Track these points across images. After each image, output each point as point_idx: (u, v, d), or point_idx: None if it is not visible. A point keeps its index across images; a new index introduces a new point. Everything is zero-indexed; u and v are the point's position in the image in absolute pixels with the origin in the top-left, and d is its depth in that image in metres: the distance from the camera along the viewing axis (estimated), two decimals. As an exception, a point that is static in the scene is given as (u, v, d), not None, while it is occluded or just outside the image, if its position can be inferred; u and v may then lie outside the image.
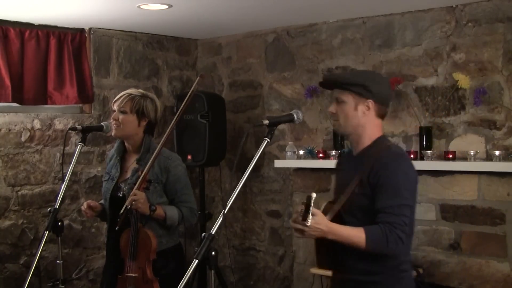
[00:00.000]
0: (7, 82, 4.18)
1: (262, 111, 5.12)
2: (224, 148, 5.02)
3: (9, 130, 4.34)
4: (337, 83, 2.52)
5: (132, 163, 3.20)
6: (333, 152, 4.32)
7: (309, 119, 4.77)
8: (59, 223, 3.02)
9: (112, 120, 3.16)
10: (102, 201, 3.28)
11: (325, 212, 2.39)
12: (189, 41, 5.44)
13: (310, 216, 2.16)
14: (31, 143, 4.44)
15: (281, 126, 4.45)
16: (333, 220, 2.36)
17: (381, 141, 2.49)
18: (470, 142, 3.98)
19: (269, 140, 2.38)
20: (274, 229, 5.11)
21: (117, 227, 3.01)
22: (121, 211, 2.96)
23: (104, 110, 4.78)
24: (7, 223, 4.32)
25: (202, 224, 4.94)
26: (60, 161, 4.48)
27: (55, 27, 4.49)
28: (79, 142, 3.20)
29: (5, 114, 4.32)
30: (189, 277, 2.15)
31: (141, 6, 3.96)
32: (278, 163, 4.73)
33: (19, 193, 4.39)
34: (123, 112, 3.13)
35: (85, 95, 4.67)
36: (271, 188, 5.10)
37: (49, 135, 4.53)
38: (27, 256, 4.39)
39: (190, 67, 5.47)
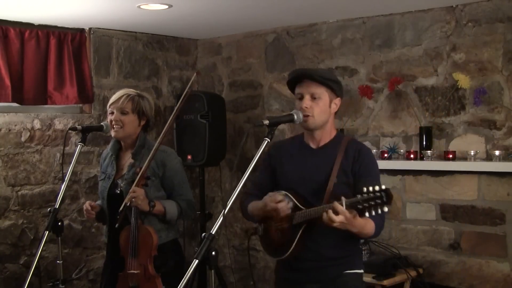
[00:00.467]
0: (7, 82, 4.18)
1: (262, 111, 5.12)
2: (224, 148, 5.01)
3: (9, 130, 4.34)
4: (316, 76, 2.56)
5: (127, 159, 3.21)
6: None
7: (309, 119, 4.76)
8: (59, 223, 3.02)
9: (111, 121, 3.15)
10: (99, 202, 3.28)
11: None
12: (189, 41, 5.44)
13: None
14: (31, 143, 4.44)
15: (281, 126, 4.44)
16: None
17: (342, 135, 2.74)
18: (470, 142, 3.98)
19: (269, 140, 2.39)
20: (274, 229, 5.10)
21: (117, 225, 3.02)
22: (120, 209, 2.96)
23: (104, 110, 4.76)
24: (7, 223, 4.32)
25: (202, 224, 4.94)
26: (60, 161, 4.48)
27: (55, 27, 4.49)
28: (79, 142, 3.20)
29: (5, 114, 4.33)
30: (189, 277, 2.15)
31: (141, 6, 3.96)
32: (278, 163, 4.72)
33: (19, 193, 4.39)
34: (124, 113, 3.13)
35: (85, 95, 4.67)
36: (271, 188, 5.09)
37: (49, 135, 4.53)
38: (27, 256, 4.39)
39: (190, 67, 5.46)
